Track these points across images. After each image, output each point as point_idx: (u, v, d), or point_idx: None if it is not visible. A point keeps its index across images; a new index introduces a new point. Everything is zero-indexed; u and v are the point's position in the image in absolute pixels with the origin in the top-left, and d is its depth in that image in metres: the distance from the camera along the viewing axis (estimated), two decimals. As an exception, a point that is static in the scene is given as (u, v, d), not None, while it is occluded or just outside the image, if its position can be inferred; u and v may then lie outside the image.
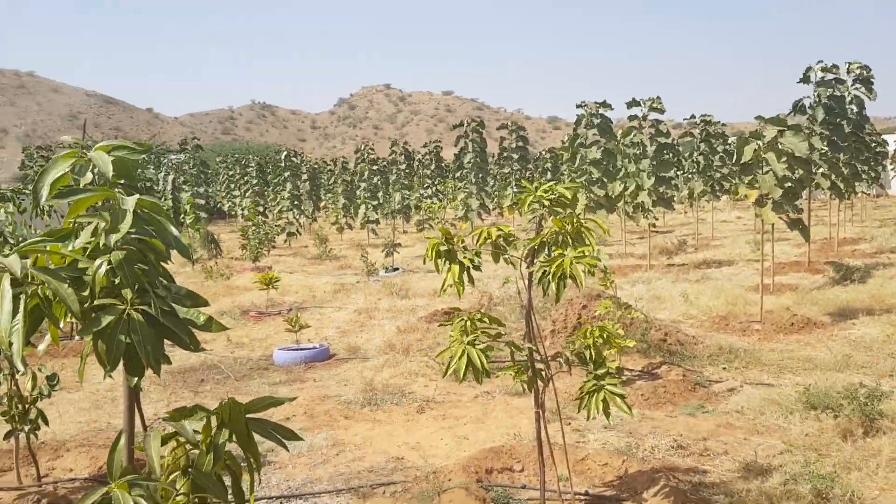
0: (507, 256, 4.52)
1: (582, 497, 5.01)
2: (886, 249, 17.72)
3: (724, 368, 8.21)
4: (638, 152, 15.22)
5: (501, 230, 4.51)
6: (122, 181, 2.52)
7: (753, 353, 8.65)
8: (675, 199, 16.93)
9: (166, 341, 2.36)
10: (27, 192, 6.71)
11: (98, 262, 2.14)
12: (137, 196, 2.25)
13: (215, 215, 41.72)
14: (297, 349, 9.51)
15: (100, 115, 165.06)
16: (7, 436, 5.35)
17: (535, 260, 4.50)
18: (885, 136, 36.41)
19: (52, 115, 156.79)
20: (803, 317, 10.22)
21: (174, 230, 2.31)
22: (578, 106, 14.67)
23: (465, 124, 25.06)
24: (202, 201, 26.26)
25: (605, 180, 13.38)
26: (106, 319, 2.13)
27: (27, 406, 5.27)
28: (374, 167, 27.98)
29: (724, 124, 25.21)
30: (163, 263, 2.37)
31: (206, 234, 21.54)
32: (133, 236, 2.24)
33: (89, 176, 2.32)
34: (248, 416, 2.40)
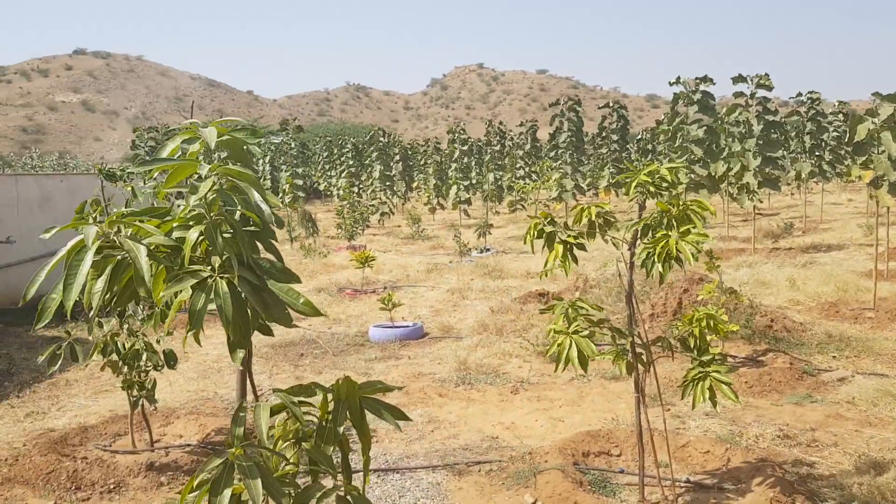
0: (608, 238, 4.42)
1: (682, 484, 4.89)
2: None
3: (833, 357, 7.83)
4: (743, 131, 14.59)
5: (602, 208, 4.42)
6: (235, 161, 2.57)
7: (866, 342, 8.21)
8: (781, 180, 16.18)
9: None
10: (134, 172, 7.00)
11: (192, 231, 2.20)
12: (215, 163, 2.29)
13: (312, 195, 42.77)
14: (391, 327, 9.65)
15: (203, 98, 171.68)
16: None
17: (638, 242, 4.39)
18: None
19: (160, 98, 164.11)
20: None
21: (257, 195, 2.31)
22: (672, 83, 14.14)
23: (561, 103, 24.68)
24: (300, 181, 26.92)
25: (708, 160, 12.88)
26: (188, 282, 2.19)
27: (143, 375, 5.57)
28: (465, 147, 27.95)
29: (844, 102, 23.87)
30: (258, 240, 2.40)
31: (304, 213, 22.11)
32: (225, 208, 2.28)
33: (196, 146, 2.37)
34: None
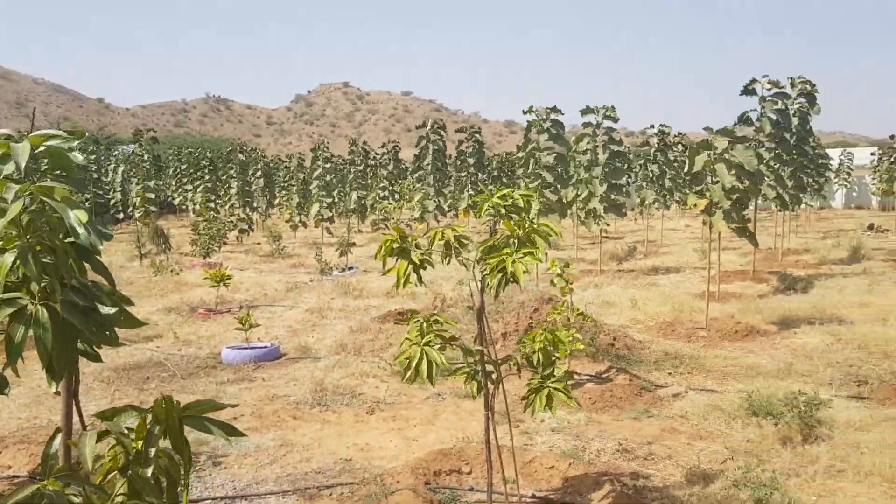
0: (460, 258, 4.54)
1: (528, 500, 5.06)
2: (828, 261, 18.27)
3: (669, 373, 8.37)
4: (590, 159, 15.44)
5: (456, 231, 4.53)
6: (58, 172, 2.44)
7: (698, 359, 8.83)
8: (626, 206, 17.23)
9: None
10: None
11: (6, 254, 2.06)
12: (25, 184, 2.16)
13: (166, 209, 40.95)
14: (246, 348, 9.39)
15: (48, 104, 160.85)
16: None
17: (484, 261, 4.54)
18: (828, 151, 37.64)
19: (0, 102, 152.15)
20: (747, 324, 10.47)
21: (72, 216, 2.16)
22: (526, 112, 14.67)
23: (428, 125, 25.09)
24: (152, 195, 25.75)
25: (558, 186, 13.54)
26: (4, 311, 2.06)
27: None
28: (328, 165, 27.78)
29: (682, 134, 25.63)
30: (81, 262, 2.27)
31: (155, 228, 21.14)
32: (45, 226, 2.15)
33: (10, 167, 2.23)
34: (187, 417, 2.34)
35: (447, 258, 4.53)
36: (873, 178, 38.00)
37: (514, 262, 4.15)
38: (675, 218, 37.51)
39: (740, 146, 9.95)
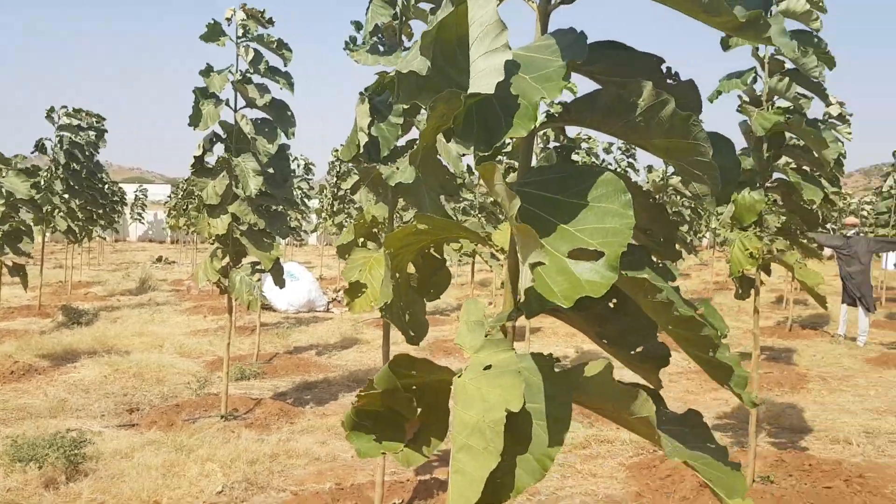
0: None
1: None
2: (117, 292, 18.79)
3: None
4: None
5: None
6: None
7: (-40, 409, 7.95)
8: None
9: None
10: None
11: None
12: None
13: None
14: None
15: None
16: None
17: None
18: (125, 185, 39.05)
19: None
20: (25, 363, 9.92)
21: None
22: None
23: None
24: None
25: None
26: None
27: None
28: None
29: None
30: None
31: None
32: None
33: None
34: None
35: None
36: (167, 214, 40.71)
37: None
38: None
39: (12, 174, 9.43)
